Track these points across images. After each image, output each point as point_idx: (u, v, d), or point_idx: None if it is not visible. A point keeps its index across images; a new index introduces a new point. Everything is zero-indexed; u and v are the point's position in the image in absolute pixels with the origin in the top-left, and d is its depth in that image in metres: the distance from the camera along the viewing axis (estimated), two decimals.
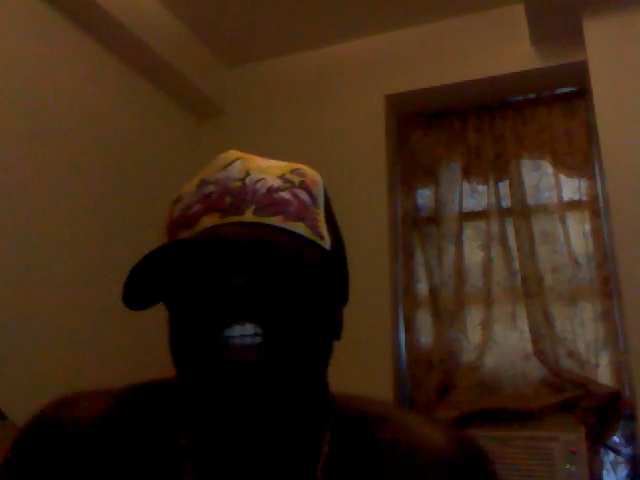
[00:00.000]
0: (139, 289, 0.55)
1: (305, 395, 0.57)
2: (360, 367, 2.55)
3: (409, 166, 2.94)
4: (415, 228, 2.87)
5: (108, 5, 2.34)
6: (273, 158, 0.63)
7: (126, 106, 2.63)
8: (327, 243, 0.58)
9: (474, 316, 2.66)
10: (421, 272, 2.80)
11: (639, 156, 2.19)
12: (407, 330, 2.72)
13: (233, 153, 0.62)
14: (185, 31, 2.86)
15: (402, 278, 2.81)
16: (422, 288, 2.77)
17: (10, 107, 2.05)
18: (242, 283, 0.52)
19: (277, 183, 0.58)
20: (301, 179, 0.60)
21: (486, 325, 2.62)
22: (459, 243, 2.74)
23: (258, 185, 0.57)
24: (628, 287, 2.13)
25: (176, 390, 0.62)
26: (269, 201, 0.56)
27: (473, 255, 2.73)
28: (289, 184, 0.58)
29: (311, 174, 0.62)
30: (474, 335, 2.63)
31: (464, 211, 2.80)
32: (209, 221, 0.55)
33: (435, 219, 2.82)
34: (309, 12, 2.76)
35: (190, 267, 0.54)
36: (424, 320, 2.73)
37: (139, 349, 2.28)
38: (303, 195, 0.58)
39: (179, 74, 2.80)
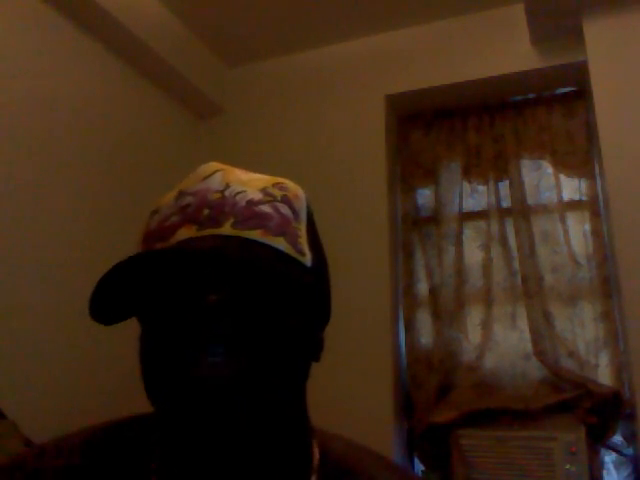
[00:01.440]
0: (108, 302, 0.53)
1: (280, 416, 0.54)
2: (360, 367, 2.55)
3: (409, 166, 2.94)
4: (415, 228, 2.87)
5: (108, 5, 2.34)
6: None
7: (126, 106, 2.63)
8: (308, 260, 0.56)
9: (474, 316, 2.66)
10: (421, 272, 2.80)
11: (639, 156, 2.19)
12: (407, 330, 2.72)
13: (214, 165, 0.60)
14: (185, 31, 2.86)
15: (402, 278, 2.81)
16: (422, 288, 2.77)
17: (10, 107, 2.05)
18: (217, 300, 0.50)
19: (258, 196, 0.56)
20: (283, 193, 0.58)
21: (486, 325, 2.62)
22: (459, 243, 2.74)
23: (238, 197, 0.55)
24: (628, 287, 2.13)
25: (152, 420, 0.60)
26: (249, 214, 0.54)
27: (473, 255, 2.73)
28: (270, 198, 0.57)
29: (294, 188, 0.60)
30: (474, 335, 2.63)
31: (464, 211, 2.80)
32: (185, 233, 0.53)
33: (435, 219, 2.82)
34: (309, 12, 2.76)
35: (163, 280, 0.52)
36: (424, 320, 2.72)
37: None
38: (285, 209, 0.56)
39: (179, 74, 2.80)
